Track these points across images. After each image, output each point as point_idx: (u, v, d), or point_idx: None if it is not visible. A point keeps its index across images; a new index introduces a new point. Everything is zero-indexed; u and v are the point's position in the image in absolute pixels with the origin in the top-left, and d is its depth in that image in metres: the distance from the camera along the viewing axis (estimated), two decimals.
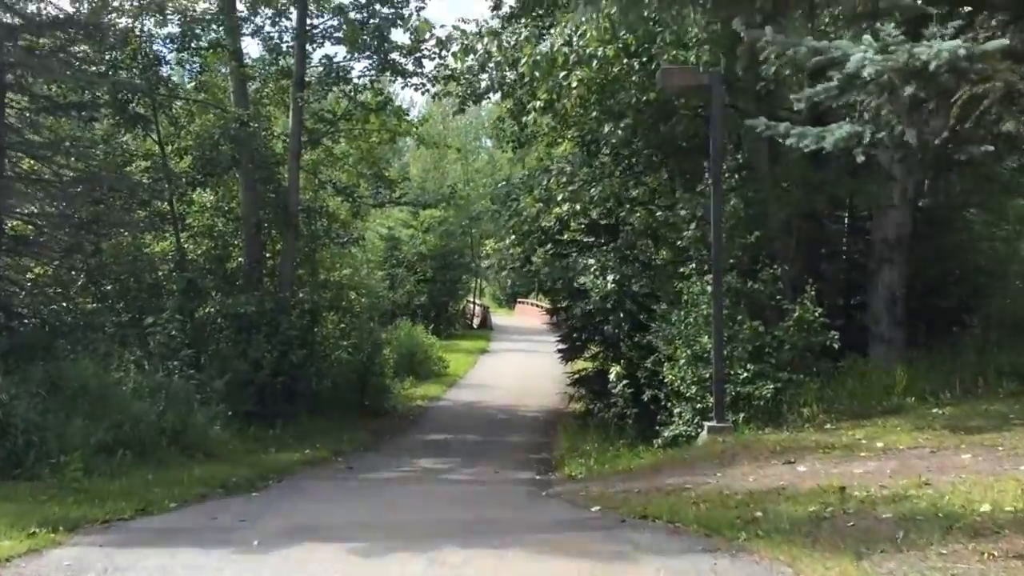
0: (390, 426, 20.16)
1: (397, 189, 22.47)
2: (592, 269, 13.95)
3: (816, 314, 11.50)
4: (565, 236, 18.42)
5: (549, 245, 18.71)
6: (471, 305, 50.40)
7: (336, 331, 22.50)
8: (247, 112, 19.01)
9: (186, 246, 19.73)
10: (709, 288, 11.81)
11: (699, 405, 11.61)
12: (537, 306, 56.06)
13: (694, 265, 12.36)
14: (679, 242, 12.82)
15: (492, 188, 61.62)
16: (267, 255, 20.56)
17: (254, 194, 19.59)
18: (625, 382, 12.64)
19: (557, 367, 31.97)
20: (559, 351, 19.87)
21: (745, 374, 11.33)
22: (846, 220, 16.73)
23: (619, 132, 13.61)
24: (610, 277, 13.63)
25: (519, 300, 61.38)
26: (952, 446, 9.05)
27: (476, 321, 48.96)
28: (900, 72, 4.85)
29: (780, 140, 6.91)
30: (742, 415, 11.23)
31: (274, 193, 19.61)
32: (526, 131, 19.61)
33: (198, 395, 14.79)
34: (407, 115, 21.80)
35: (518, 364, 32.45)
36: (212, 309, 18.86)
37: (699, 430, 11.64)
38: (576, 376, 19.38)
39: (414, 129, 22.45)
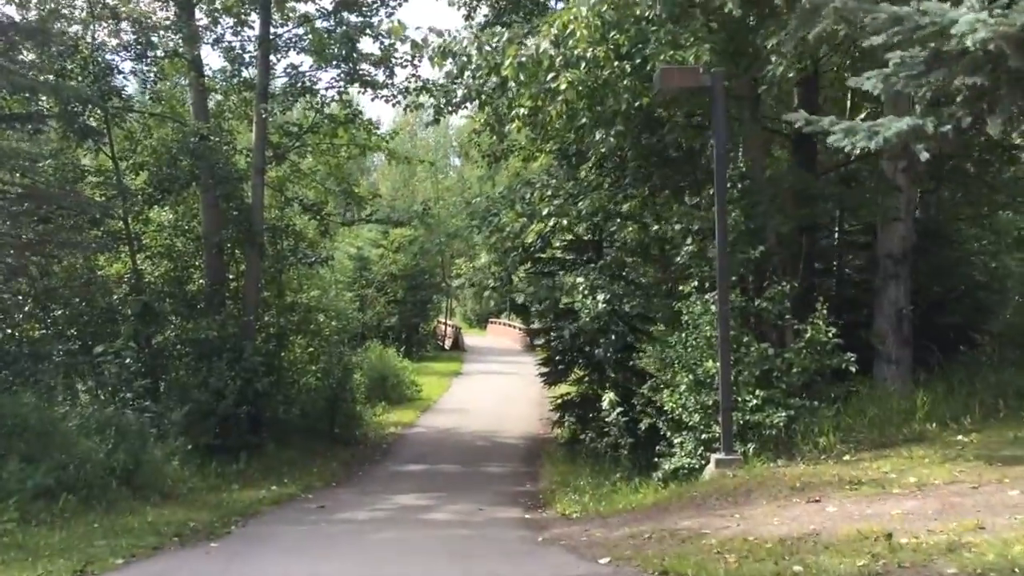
0: (362, 456, 19.01)
1: (367, 206, 21.40)
2: (581, 288, 12.99)
3: (829, 335, 10.61)
4: (546, 254, 17.51)
5: (529, 264, 17.79)
6: (442, 326, 49.29)
7: (304, 356, 21.40)
8: (207, 125, 17.92)
9: (143, 268, 18.51)
10: (713, 307, 10.89)
11: (703, 435, 10.66)
12: (511, 326, 55.15)
13: (696, 283, 11.43)
14: (678, 258, 11.91)
15: (463, 206, 60.99)
16: (230, 277, 19.40)
17: (216, 212, 18.45)
18: (620, 410, 11.66)
19: (536, 390, 31.13)
20: (541, 375, 18.86)
21: (754, 401, 10.40)
22: (836, 234, 16.03)
23: (610, 139, 12.73)
24: (600, 296, 12.68)
25: (491, 320, 60.43)
26: (994, 480, 8.18)
27: (448, 342, 47.85)
28: (1013, 39, 3.96)
29: (815, 138, 6.01)
30: (751, 446, 10.30)
31: (237, 211, 18.47)
32: (504, 144, 18.70)
33: (154, 429, 13.63)
34: (377, 129, 20.76)
35: (494, 387, 31.40)
36: (171, 335, 17.69)
37: (703, 462, 10.69)
38: (560, 401, 18.39)
39: (384, 143, 21.41)
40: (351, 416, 21.30)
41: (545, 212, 13.28)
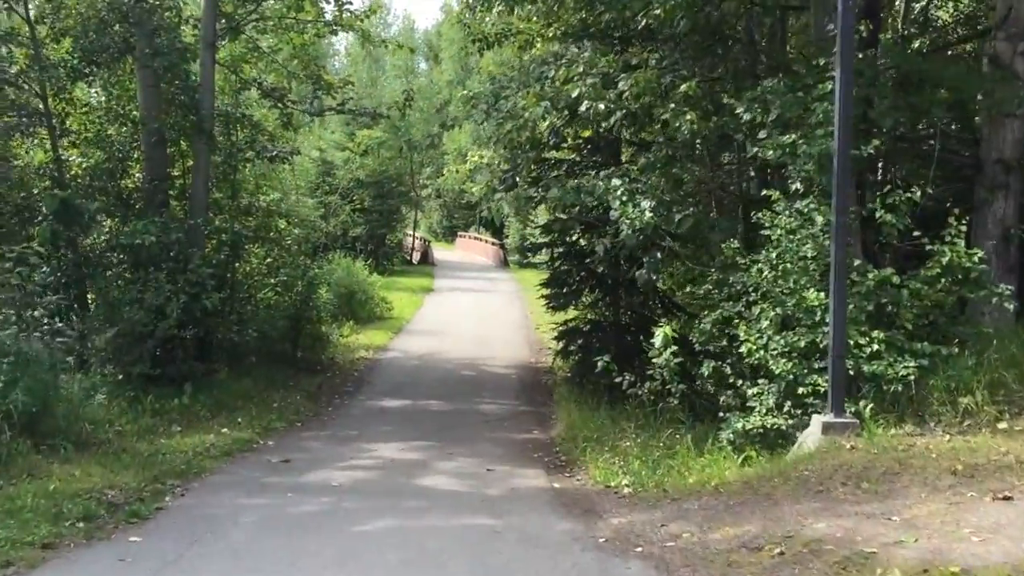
0: (331, 386, 16.29)
1: (337, 95, 18.17)
2: (618, 193, 10.16)
3: (976, 259, 7.99)
4: (558, 153, 14.65)
5: (533, 166, 14.85)
6: (410, 238, 46.26)
7: (262, 267, 18.42)
8: None
9: (69, 158, 15.31)
10: (819, 218, 8.20)
11: (800, 389, 8.04)
12: (480, 239, 52.26)
13: (799, 186, 8.63)
14: (759, 152, 9.09)
15: (433, 111, 57.34)
16: (174, 172, 16.23)
17: (156, 93, 15.17)
18: (673, 348, 8.98)
19: (518, 310, 28.57)
20: (545, 298, 16.11)
21: (875, 346, 7.79)
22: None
23: (656, 11, 9.87)
24: (645, 204, 9.88)
25: (460, 234, 57.55)
26: None
27: (416, 256, 44.91)
28: None
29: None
30: (866, 405, 7.72)
31: (183, 93, 15.23)
32: (503, 23, 15.66)
33: (70, 358, 10.75)
34: (349, 3, 17.48)
35: (471, 306, 28.70)
36: (100, 240, 14.62)
37: (794, 424, 8.12)
38: (565, 327, 15.73)
39: (358, 22, 18.11)
40: (316, 338, 18.53)
41: (576, 94, 10.34)
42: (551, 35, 15.34)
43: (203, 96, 15.52)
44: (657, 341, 9.35)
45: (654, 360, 9.47)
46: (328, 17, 17.99)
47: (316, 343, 18.44)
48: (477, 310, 27.54)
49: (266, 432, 11.90)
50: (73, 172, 15.13)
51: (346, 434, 12.03)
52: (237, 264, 17.00)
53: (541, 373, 17.83)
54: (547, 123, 12.64)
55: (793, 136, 8.70)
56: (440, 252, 49.62)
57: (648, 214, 9.89)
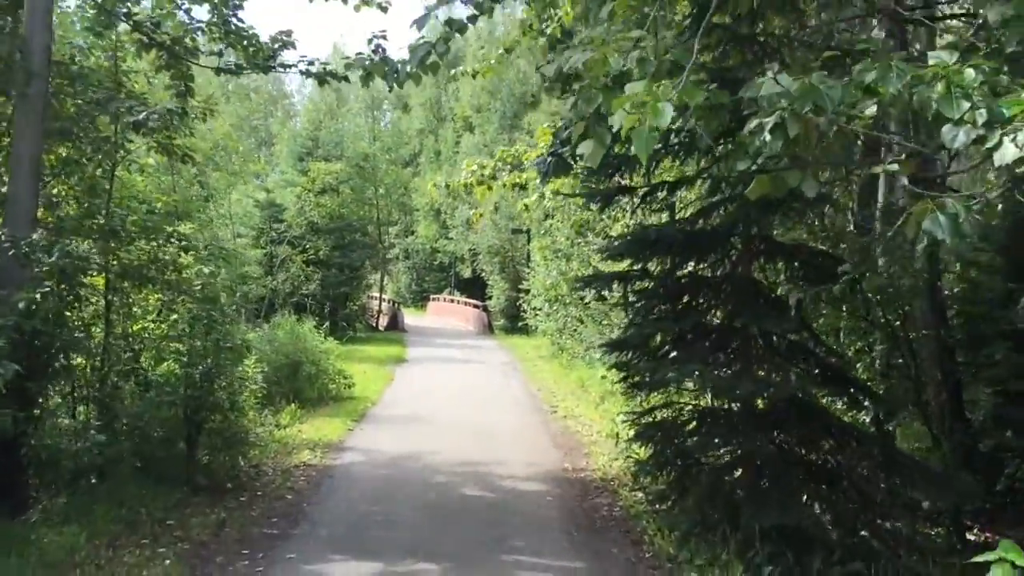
0: (241, 524, 9.31)
1: (263, 48, 11.46)
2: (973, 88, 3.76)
3: None
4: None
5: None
6: (375, 301, 39.41)
7: (149, 325, 11.67)
8: None
9: None
10: None
11: None
12: (456, 302, 45.57)
13: None
14: None
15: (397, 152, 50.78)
16: None
17: None
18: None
19: (518, 385, 21.77)
20: (621, 371, 9.11)
21: None
22: None
23: None
24: None
25: (432, 298, 50.90)
26: None
27: (384, 320, 38.00)
28: None
29: None
30: None
31: None
32: None
33: None
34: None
35: (458, 381, 21.87)
36: None
37: None
38: (643, 419, 8.99)
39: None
40: (229, 437, 11.52)
41: None
42: None
43: (32, 31, 9.11)
44: None
45: None
46: None
47: (228, 445, 11.47)
48: (466, 387, 20.70)
49: None
50: None
51: None
52: (115, 317, 10.49)
53: (594, 490, 11.01)
54: None
55: None
56: (411, 318, 42.78)
57: None
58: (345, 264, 31.66)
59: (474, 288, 45.59)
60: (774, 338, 8.06)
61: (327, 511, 10.01)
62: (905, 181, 5.13)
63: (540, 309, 27.72)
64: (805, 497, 7.93)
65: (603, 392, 17.81)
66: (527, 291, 30.68)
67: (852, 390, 8.13)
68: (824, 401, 8.71)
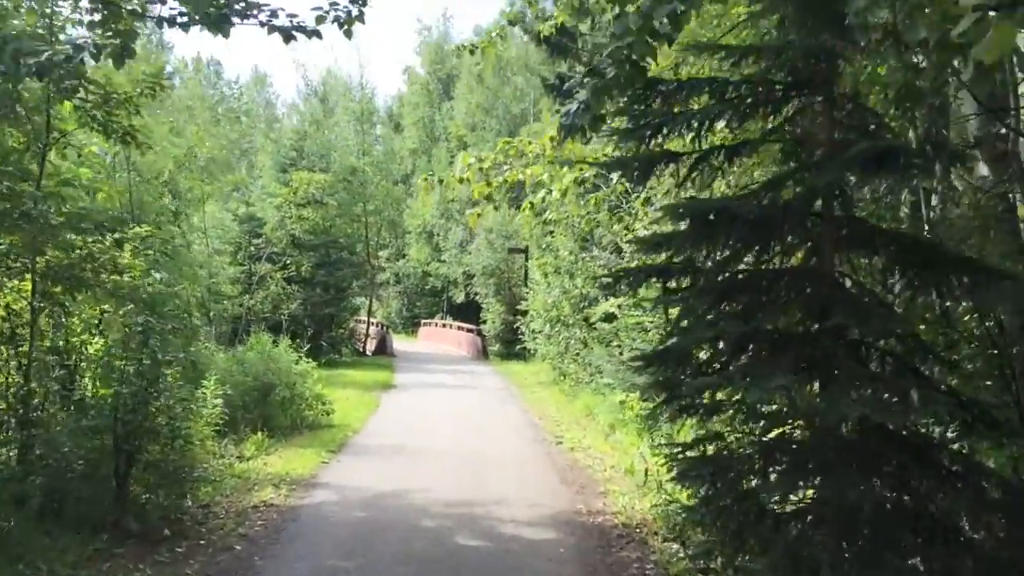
0: None
1: None
2: None
3: None
4: None
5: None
6: (363, 324, 37.29)
7: (90, 339, 9.74)
8: None
9: None
10: None
11: None
12: (449, 326, 43.53)
13: None
14: None
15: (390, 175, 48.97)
16: None
17: None
18: None
19: (516, 412, 19.70)
20: (665, 389, 7.08)
21: None
22: None
23: None
24: None
25: (423, 322, 48.87)
26: None
27: (371, 345, 35.87)
28: None
29: None
30: None
31: None
32: None
33: None
34: None
35: (449, 408, 19.78)
36: None
37: None
38: (689, 454, 6.96)
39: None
40: (172, 471, 9.41)
41: None
42: None
43: None
44: None
45: None
46: None
47: (169, 481, 9.36)
48: (459, 415, 18.61)
49: None
50: None
51: None
52: (44, 328, 8.62)
53: (617, 539, 8.92)
54: None
55: None
56: (401, 344, 40.68)
57: None
58: (330, 283, 29.60)
59: (467, 313, 43.61)
60: (875, 349, 6.05)
61: (285, 567, 7.92)
62: None
63: (540, 331, 25.73)
64: (914, 559, 5.90)
65: (613, 420, 15.81)
66: (524, 313, 28.70)
67: (988, 421, 6.07)
68: (925, 430, 6.67)
